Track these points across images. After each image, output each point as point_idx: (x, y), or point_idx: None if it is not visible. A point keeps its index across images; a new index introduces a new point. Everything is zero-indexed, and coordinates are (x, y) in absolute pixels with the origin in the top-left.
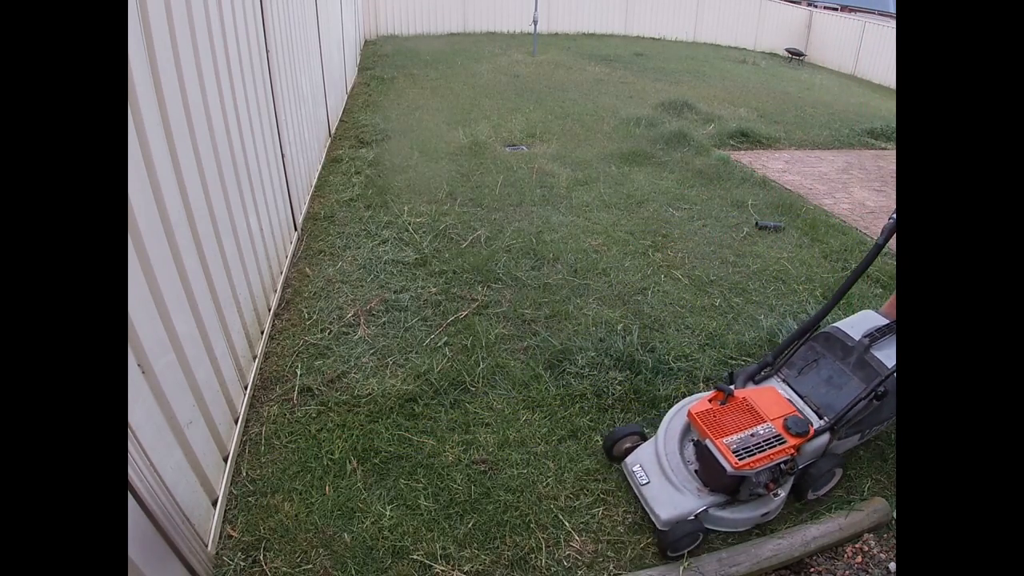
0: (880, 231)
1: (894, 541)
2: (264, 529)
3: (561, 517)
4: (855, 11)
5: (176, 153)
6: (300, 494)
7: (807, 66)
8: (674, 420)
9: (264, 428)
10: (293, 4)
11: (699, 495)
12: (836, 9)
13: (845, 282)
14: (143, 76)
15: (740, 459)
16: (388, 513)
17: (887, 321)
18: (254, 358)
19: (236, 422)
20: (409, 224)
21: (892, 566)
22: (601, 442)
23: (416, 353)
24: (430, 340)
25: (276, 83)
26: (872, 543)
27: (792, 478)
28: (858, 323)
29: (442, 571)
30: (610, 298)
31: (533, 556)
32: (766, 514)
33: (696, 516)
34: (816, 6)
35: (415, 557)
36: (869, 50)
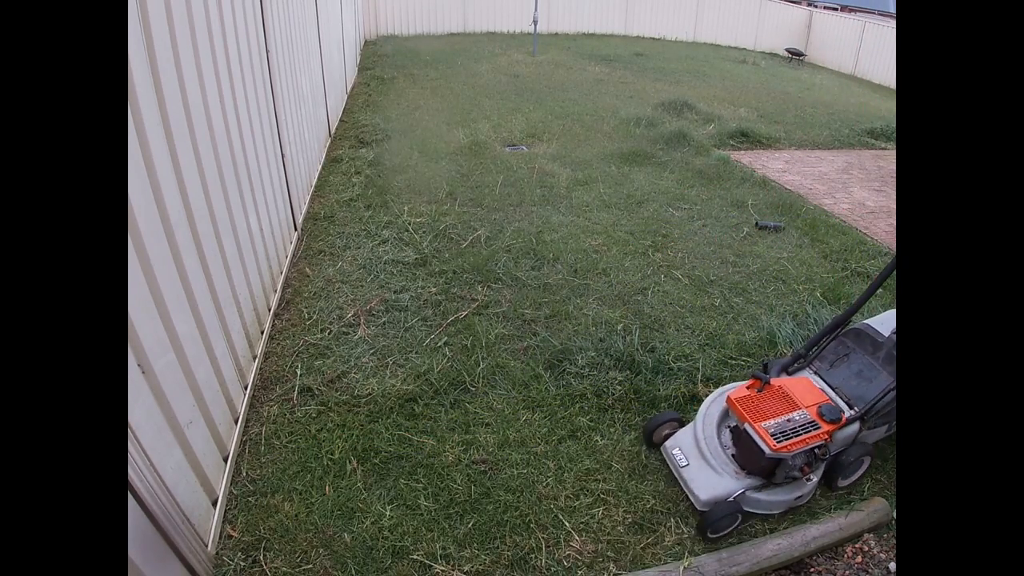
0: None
1: (894, 541)
2: (264, 529)
3: (561, 517)
4: (855, 11)
5: (176, 153)
6: (300, 494)
7: (807, 66)
8: (712, 406)
9: (264, 428)
10: (293, 4)
11: (737, 477)
12: (836, 9)
13: (880, 275)
14: (143, 76)
15: (778, 442)
16: (388, 513)
17: None
18: (254, 358)
19: (236, 422)
20: (409, 224)
21: (892, 566)
22: (643, 433)
23: (416, 353)
24: (430, 340)
25: (276, 83)
26: (872, 543)
27: (824, 464)
28: (887, 320)
29: (442, 571)
30: (610, 298)
31: (533, 556)
32: (799, 497)
33: (734, 498)
34: (816, 6)
35: (415, 557)
36: (869, 50)
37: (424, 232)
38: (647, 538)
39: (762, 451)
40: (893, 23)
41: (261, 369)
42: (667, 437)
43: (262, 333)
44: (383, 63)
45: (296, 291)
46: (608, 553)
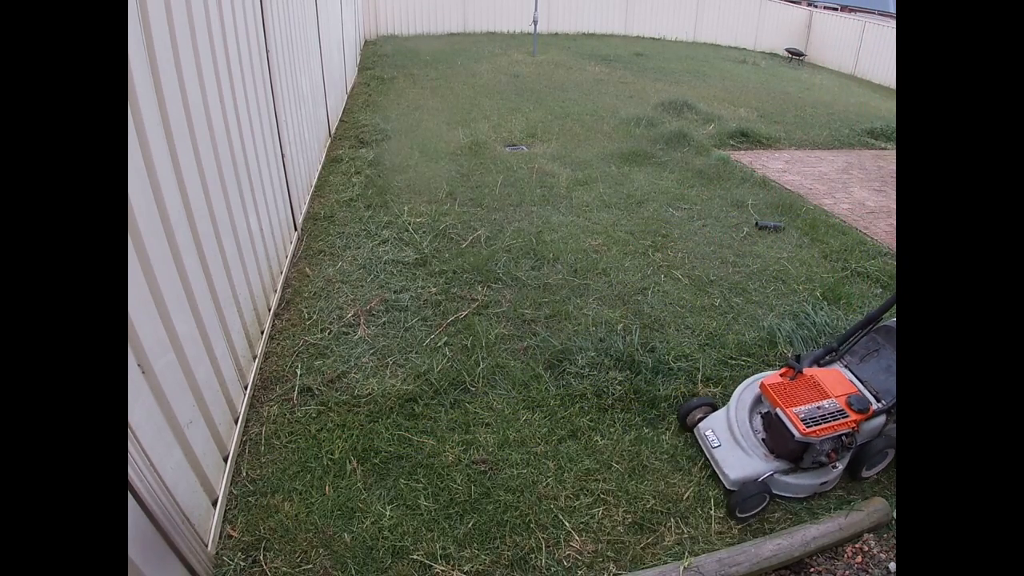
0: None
1: (894, 541)
2: (264, 529)
3: (561, 517)
4: (855, 11)
5: (176, 153)
6: (300, 494)
7: (807, 66)
8: (745, 392)
9: (264, 428)
10: (293, 4)
11: (766, 460)
12: (836, 9)
13: None
14: (143, 76)
15: (807, 427)
16: (388, 513)
17: None
18: (254, 358)
19: (236, 422)
20: (409, 224)
21: (892, 566)
22: (677, 416)
23: (416, 353)
24: (430, 340)
25: (276, 83)
26: (872, 543)
27: (850, 453)
28: None
29: (442, 571)
30: (610, 298)
31: (533, 556)
32: (825, 483)
33: (763, 479)
34: (816, 6)
35: (415, 557)
36: (869, 50)
37: (424, 232)
38: (647, 538)
39: (792, 434)
40: (893, 23)
41: (261, 369)
42: (700, 420)
43: (262, 333)
44: (383, 63)
45: (296, 291)
46: (608, 553)
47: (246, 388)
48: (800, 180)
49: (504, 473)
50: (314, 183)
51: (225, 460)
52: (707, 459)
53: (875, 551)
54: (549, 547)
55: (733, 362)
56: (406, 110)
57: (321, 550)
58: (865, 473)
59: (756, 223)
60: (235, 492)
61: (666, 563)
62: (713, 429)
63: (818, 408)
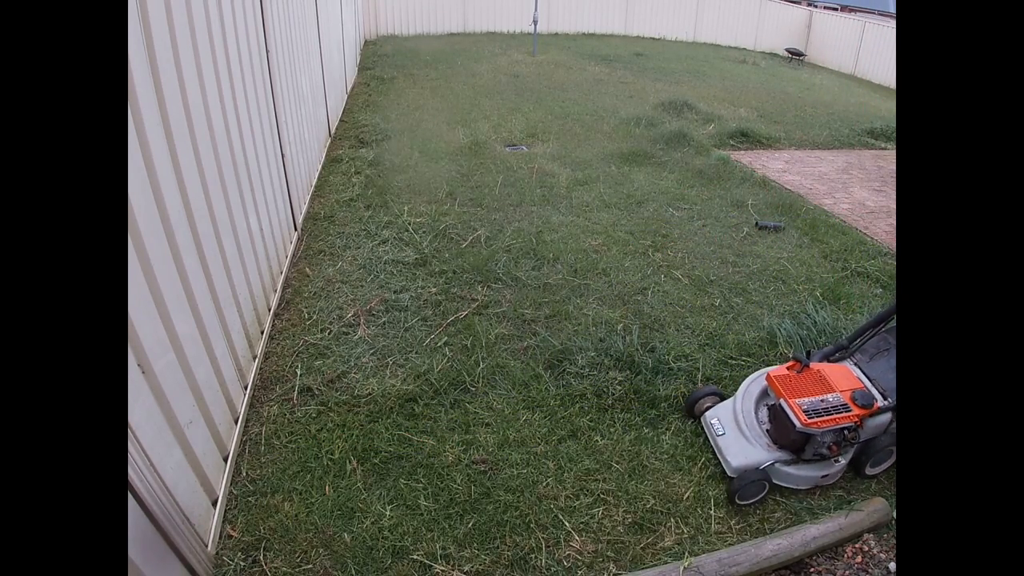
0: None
1: (894, 541)
2: (264, 529)
3: (561, 517)
4: (855, 11)
5: (176, 153)
6: (300, 494)
7: (807, 66)
8: (752, 385)
9: (264, 428)
10: (293, 4)
11: (768, 450)
12: (836, 9)
13: None
14: (143, 76)
15: (809, 418)
16: (388, 513)
17: None
18: (254, 358)
19: (236, 422)
20: (409, 224)
21: (892, 566)
22: (685, 404)
23: (416, 353)
24: (430, 340)
25: (276, 83)
26: (872, 543)
27: (854, 449)
28: None
29: (442, 571)
30: (610, 298)
31: (533, 556)
32: (826, 476)
33: (763, 468)
34: (816, 6)
35: (415, 557)
36: (869, 50)
37: (424, 232)
38: (647, 538)
39: (793, 425)
40: (893, 23)
41: (261, 369)
42: (707, 409)
43: (262, 333)
44: (383, 63)
45: (296, 291)
46: (608, 553)
47: (246, 388)
48: (800, 180)
49: (504, 473)
50: (314, 183)
51: (225, 460)
52: (711, 452)
53: (875, 551)
54: (549, 547)
55: (733, 362)
56: (406, 110)
57: (321, 550)
58: (869, 470)
59: (756, 223)
60: (235, 492)
61: (666, 563)
62: (719, 418)
63: (821, 401)
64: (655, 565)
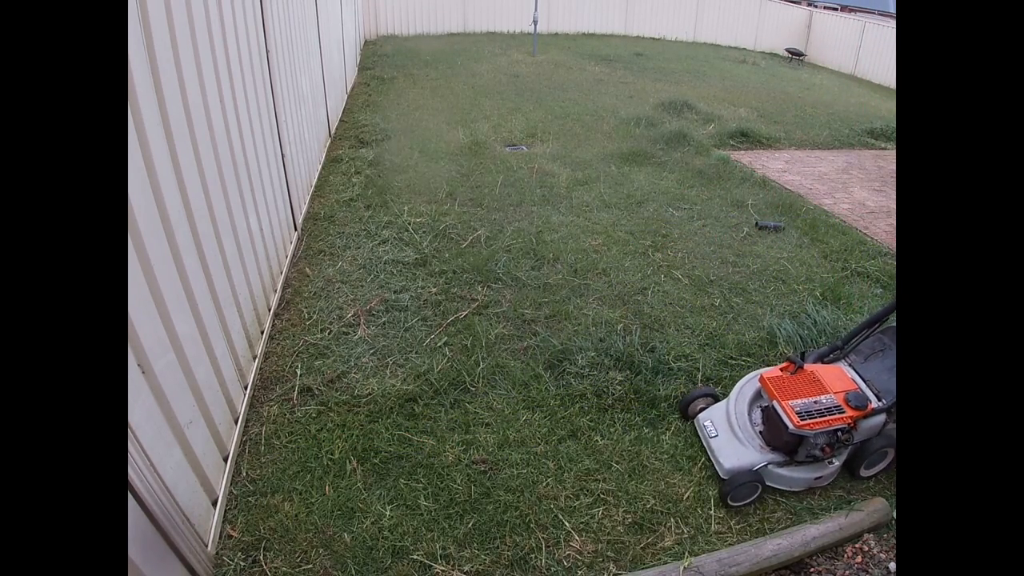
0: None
1: (894, 541)
2: (264, 529)
3: (561, 517)
4: (855, 11)
5: (176, 153)
6: (300, 494)
7: (807, 66)
8: (746, 386)
9: (264, 428)
10: (293, 4)
11: (761, 451)
12: (836, 9)
13: None
14: (143, 76)
15: (801, 420)
16: (388, 513)
17: None
18: (254, 358)
19: (236, 422)
20: (409, 224)
21: (892, 566)
22: (679, 406)
23: (416, 353)
24: (430, 340)
25: (276, 83)
26: (872, 543)
27: (848, 450)
28: None
29: (442, 571)
30: (610, 298)
31: (533, 556)
32: (819, 478)
33: (756, 470)
34: (816, 6)
35: (415, 557)
36: (869, 50)
37: (424, 232)
38: (647, 538)
39: (786, 426)
40: (893, 23)
41: (261, 369)
42: (701, 411)
43: (262, 333)
44: (383, 63)
45: (296, 291)
46: (608, 553)
47: (246, 388)
48: (800, 180)
49: (504, 473)
50: (314, 183)
51: (225, 460)
52: (705, 452)
53: (875, 551)
54: (549, 547)
55: (733, 362)
56: (406, 110)
57: (321, 550)
58: (864, 472)
59: (756, 223)
60: (235, 492)
61: (666, 563)
62: (712, 420)
63: (815, 402)
64: (655, 565)
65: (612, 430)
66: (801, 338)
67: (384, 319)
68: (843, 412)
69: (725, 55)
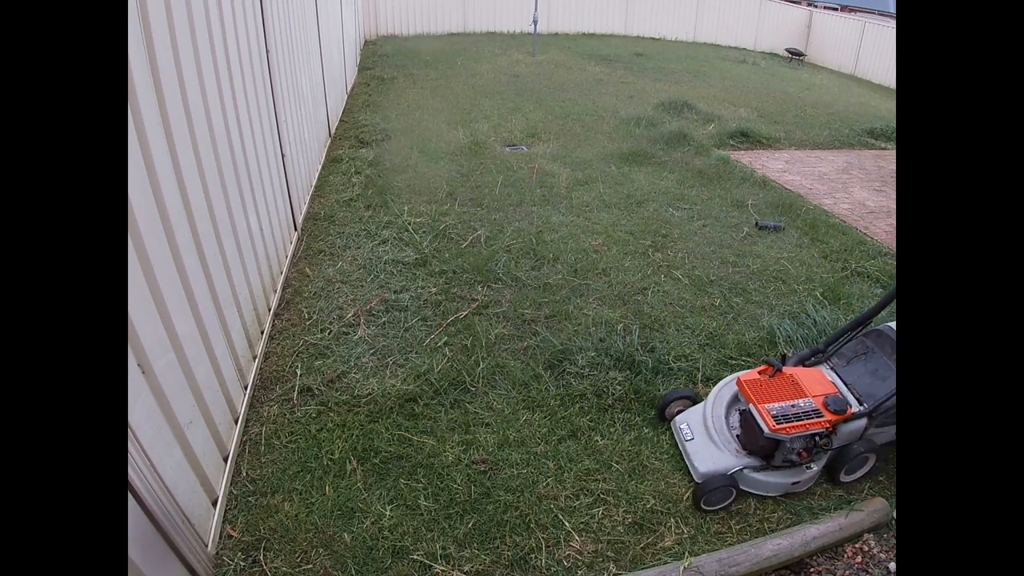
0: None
1: (894, 541)
2: (264, 529)
3: (561, 517)
4: (855, 11)
5: (176, 153)
6: (300, 494)
7: (807, 66)
8: (724, 389)
9: (264, 428)
10: (293, 4)
11: (737, 455)
12: (836, 9)
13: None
14: (143, 76)
15: (777, 423)
16: (388, 513)
17: None
18: (254, 358)
19: (236, 422)
20: (409, 224)
21: (892, 566)
22: (656, 409)
23: (416, 353)
24: (430, 340)
25: (276, 83)
26: (872, 543)
27: (827, 455)
28: None
29: (442, 571)
30: (610, 298)
31: (533, 556)
32: (797, 483)
33: (731, 474)
34: (816, 6)
35: (415, 557)
36: (869, 50)
37: (424, 232)
38: (647, 538)
39: (761, 430)
40: (893, 23)
41: (261, 369)
42: (678, 413)
43: (262, 333)
44: (383, 63)
45: (296, 291)
46: (608, 553)
47: (246, 388)
48: (800, 180)
49: (504, 473)
50: (314, 183)
51: (225, 460)
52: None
53: (875, 551)
54: (549, 547)
55: (733, 362)
56: (406, 110)
57: (321, 550)
58: (844, 477)
59: (756, 223)
60: (235, 492)
61: (666, 563)
62: (688, 423)
63: (792, 406)
64: (655, 565)
65: (612, 430)
66: (801, 338)
67: (384, 319)
68: (821, 416)
69: (725, 55)
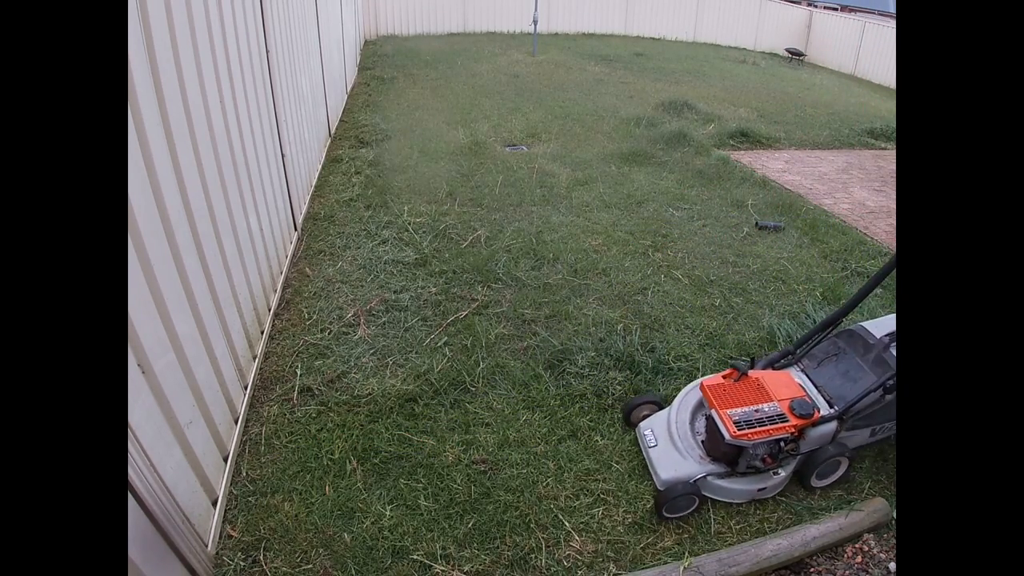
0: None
1: (894, 541)
2: (264, 529)
3: (561, 517)
4: (855, 11)
5: (176, 153)
6: (300, 494)
7: (807, 66)
8: (689, 394)
9: (264, 428)
10: (293, 4)
11: (700, 462)
12: (836, 9)
13: (874, 277)
14: (143, 76)
15: (739, 429)
16: (388, 513)
17: None
18: (254, 358)
19: (236, 422)
20: (409, 224)
21: (892, 566)
22: (622, 413)
23: (416, 353)
24: (430, 340)
25: (276, 83)
26: (872, 543)
27: (796, 460)
28: (883, 324)
29: (442, 571)
30: (610, 298)
31: (533, 556)
32: (763, 490)
33: (694, 481)
34: (816, 6)
35: (415, 557)
36: (869, 50)
37: (424, 232)
38: (647, 538)
39: (723, 436)
40: (893, 23)
41: (261, 369)
42: (643, 419)
43: (262, 333)
44: (383, 63)
45: (296, 291)
46: (608, 553)
47: (246, 388)
48: (800, 180)
49: (504, 473)
50: (314, 183)
51: (225, 460)
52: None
53: (875, 551)
54: (549, 547)
55: (733, 362)
56: (406, 110)
57: (321, 550)
58: (815, 483)
59: (756, 223)
60: (235, 492)
61: (666, 563)
62: (652, 428)
63: (756, 411)
64: (655, 565)
65: (612, 430)
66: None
67: (384, 319)
68: (786, 421)
69: (725, 55)
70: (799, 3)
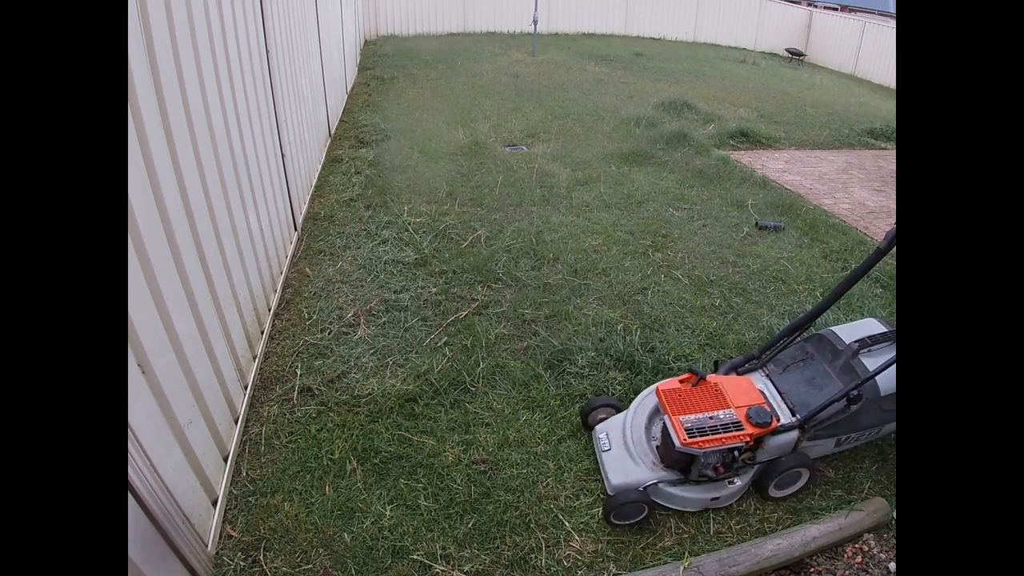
0: (884, 236)
1: (894, 541)
2: (264, 529)
3: (561, 517)
4: (855, 11)
5: (176, 153)
6: (300, 494)
7: (807, 66)
8: (647, 399)
9: (264, 428)
10: (293, 4)
11: (652, 469)
12: (836, 9)
13: (841, 283)
14: (143, 76)
15: (690, 436)
16: (388, 513)
17: (887, 329)
18: (254, 358)
19: (236, 422)
20: (409, 224)
21: (892, 566)
22: (580, 416)
23: (416, 353)
24: (430, 340)
25: (276, 83)
26: (872, 543)
27: (754, 470)
28: (855, 329)
29: (442, 571)
30: (610, 298)
31: (533, 556)
32: (716, 499)
33: (644, 488)
34: (816, 6)
35: (415, 557)
36: (869, 50)
37: (424, 232)
38: (647, 538)
39: (673, 443)
40: (893, 23)
41: (261, 369)
42: (600, 422)
43: (262, 333)
44: (383, 63)
45: (296, 291)
46: (608, 553)
47: (246, 388)
48: (800, 180)
49: (504, 473)
50: (314, 183)
51: (225, 460)
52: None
53: (875, 551)
54: (549, 547)
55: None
56: (406, 110)
57: (321, 550)
58: (774, 493)
59: (756, 223)
60: (235, 492)
61: (666, 563)
62: (608, 432)
63: (710, 418)
64: (655, 565)
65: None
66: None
67: (384, 319)
68: (741, 429)
69: (725, 55)
70: (799, 3)
